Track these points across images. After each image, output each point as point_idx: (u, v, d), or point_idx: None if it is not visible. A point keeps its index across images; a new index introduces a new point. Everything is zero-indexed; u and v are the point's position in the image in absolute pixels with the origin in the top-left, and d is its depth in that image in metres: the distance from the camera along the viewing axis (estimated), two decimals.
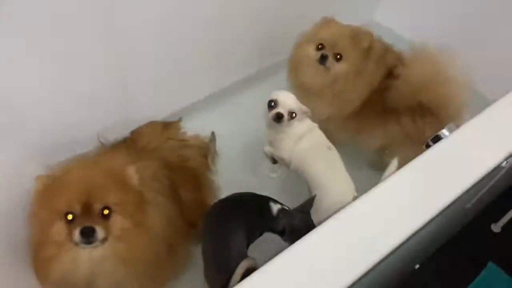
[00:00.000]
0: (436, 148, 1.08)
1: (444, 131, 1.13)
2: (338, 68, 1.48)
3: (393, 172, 1.25)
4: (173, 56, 1.58)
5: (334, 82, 1.50)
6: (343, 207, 0.98)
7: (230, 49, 1.76)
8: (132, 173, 1.01)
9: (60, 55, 1.28)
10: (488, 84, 1.84)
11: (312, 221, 1.25)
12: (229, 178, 1.55)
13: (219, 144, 1.61)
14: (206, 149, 1.41)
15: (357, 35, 1.47)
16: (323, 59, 1.45)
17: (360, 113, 1.54)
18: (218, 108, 1.83)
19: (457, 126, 1.13)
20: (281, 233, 1.24)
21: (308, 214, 1.26)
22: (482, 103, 1.81)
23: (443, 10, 2.05)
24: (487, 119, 1.13)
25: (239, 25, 1.71)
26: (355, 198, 1.33)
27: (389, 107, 1.48)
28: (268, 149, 1.50)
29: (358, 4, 2.18)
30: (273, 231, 1.25)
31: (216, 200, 1.29)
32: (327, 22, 1.51)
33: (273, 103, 1.37)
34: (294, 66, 1.56)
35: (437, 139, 1.12)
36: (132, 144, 1.25)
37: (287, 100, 1.38)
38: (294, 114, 1.37)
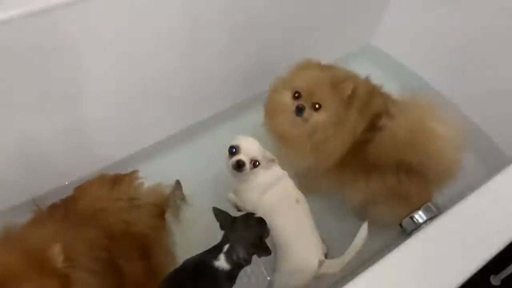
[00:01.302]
0: (416, 238, 0.95)
1: (421, 213, 1.00)
2: (316, 118, 1.36)
3: (364, 238, 1.20)
4: (135, 92, 1.49)
5: (312, 133, 1.38)
6: None
7: (200, 84, 1.65)
8: (55, 254, 0.90)
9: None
10: (492, 118, 1.72)
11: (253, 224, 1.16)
12: (204, 224, 1.41)
13: (189, 188, 1.49)
14: (163, 204, 1.29)
15: (337, 83, 1.34)
16: (299, 111, 1.34)
17: (342, 165, 1.42)
18: (188, 147, 1.73)
19: (435, 207, 1.00)
20: (245, 263, 1.13)
21: (236, 223, 1.16)
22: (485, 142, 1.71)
23: (444, 37, 1.90)
24: (466, 210, 0.99)
25: (212, 57, 1.59)
26: (321, 262, 1.25)
27: (373, 161, 1.35)
28: (231, 197, 1.42)
29: (356, 28, 2.08)
30: (235, 275, 1.15)
31: (171, 267, 1.18)
32: (305, 67, 1.38)
33: (234, 150, 1.28)
34: (270, 112, 1.45)
35: (411, 222, 0.99)
36: (72, 206, 1.13)
37: (250, 147, 1.30)
38: (257, 163, 1.29)
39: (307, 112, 1.34)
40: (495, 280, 1.79)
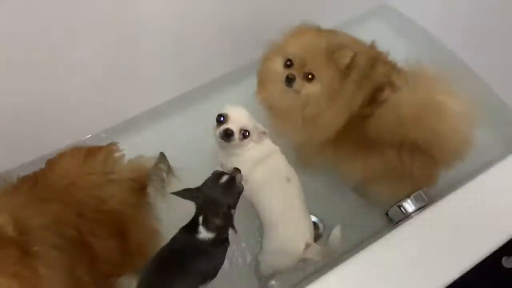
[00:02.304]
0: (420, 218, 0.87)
1: (410, 202, 0.90)
2: (309, 89, 1.26)
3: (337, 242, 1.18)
4: (121, 58, 1.42)
5: (304, 106, 1.29)
6: None
7: (191, 51, 1.55)
8: (2, 223, 0.86)
9: None
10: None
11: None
12: None
13: (180, 158, 1.44)
14: (144, 178, 1.23)
15: (334, 50, 1.22)
16: (289, 81, 1.24)
17: (338, 140, 1.32)
18: (176, 118, 1.65)
19: (426, 196, 0.90)
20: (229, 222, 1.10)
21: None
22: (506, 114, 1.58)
23: None
24: (479, 188, 0.90)
25: (203, 21, 1.49)
26: (308, 245, 1.20)
27: (373, 137, 1.24)
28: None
29: None
30: (225, 237, 1.13)
31: (153, 245, 1.17)
32: (300, 31, 1.27)
33: (222, 118, 1.22)
34: (261, 81, 1.36)
35: (399, 211, 0.90)
36: (42, 179, 1.09)
37: (240, 116, 1.24)
38: (247, 133, 1.23)
39: (298, 82, 1.24)
40: (507, 262, 1.69)
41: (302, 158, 1.45)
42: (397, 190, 1.27)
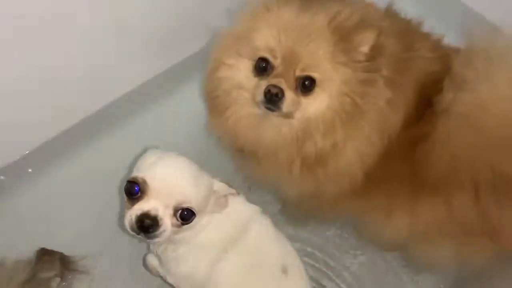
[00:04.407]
0: None
1: None
2: (309, 108, 0.75)
3: None
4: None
5: (303, 139, 0.78)
6: None
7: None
8: None
9: None
10: None
11: None
12: None
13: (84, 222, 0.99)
14: None
15: (342, 31, 0.71)
16: (271, 101, 0.71)
17: (365, 183, 0.83)
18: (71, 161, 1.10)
19: None
20: None
21: None
22: None
23: None
24: None
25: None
26: None
27: (426, 176, 0.77)
28: (152, 262, 0.87)
29: None
30: None
31: None
32: (270, 3, 0.74)
33: (137, 189, 0.69)
34: (216, 106, 0.82)
35: None
36: None
37: (170, 182, 0.70)
38: (185, 213, 0.69)
39: (289, 100, 0.70)
40: None
41: (296, 211, 0.99)
42: (467, 251, 0.86)
